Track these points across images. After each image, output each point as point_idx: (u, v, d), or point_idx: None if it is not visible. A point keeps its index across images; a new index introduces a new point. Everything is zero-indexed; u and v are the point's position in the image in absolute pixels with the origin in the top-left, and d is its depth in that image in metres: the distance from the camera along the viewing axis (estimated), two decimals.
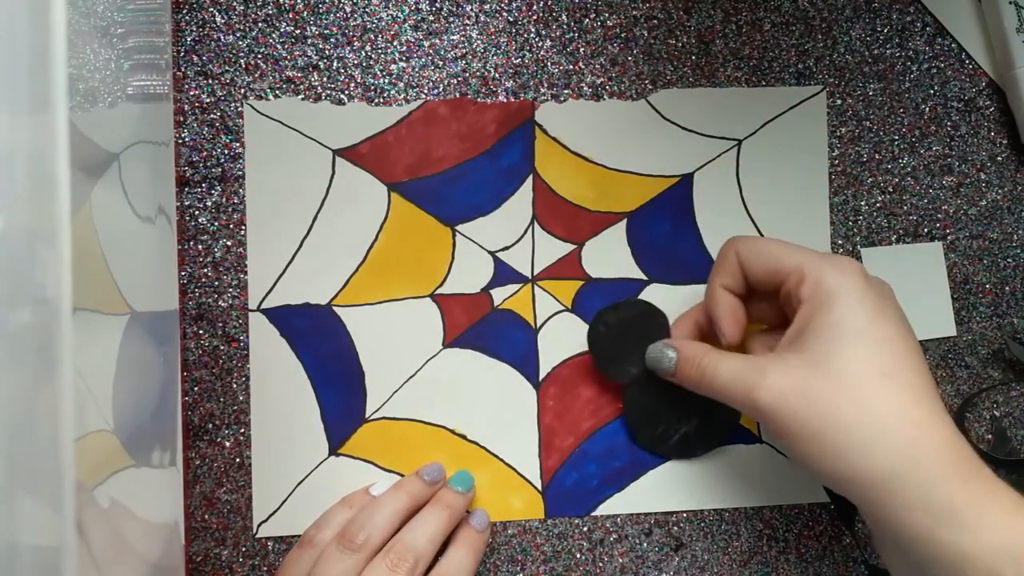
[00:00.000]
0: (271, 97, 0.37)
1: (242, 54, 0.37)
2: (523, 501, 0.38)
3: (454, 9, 0.38)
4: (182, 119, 0.37)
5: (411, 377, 0.38)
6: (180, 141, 0.37)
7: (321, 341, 0.37)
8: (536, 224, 0.38)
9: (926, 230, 0.40)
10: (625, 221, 0.39)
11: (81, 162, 0.23)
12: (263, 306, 0.37)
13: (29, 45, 0.21)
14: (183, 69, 0.37)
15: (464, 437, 0.38)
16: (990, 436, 0.41)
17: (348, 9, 0.38)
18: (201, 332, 0.37)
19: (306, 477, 0.37)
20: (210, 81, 0.37)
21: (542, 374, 0.38)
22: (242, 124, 0.37)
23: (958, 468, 0.27)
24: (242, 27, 0.37)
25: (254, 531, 0.37)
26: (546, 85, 0.38)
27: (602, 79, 0.39)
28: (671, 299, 0.39)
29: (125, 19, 0.29)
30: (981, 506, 0.27)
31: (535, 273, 0.38)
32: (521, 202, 0.38)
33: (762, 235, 0.39)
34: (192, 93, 0.37)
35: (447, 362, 0.38)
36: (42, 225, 0.21)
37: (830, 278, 0.30)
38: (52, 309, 0.21)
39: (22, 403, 0.20)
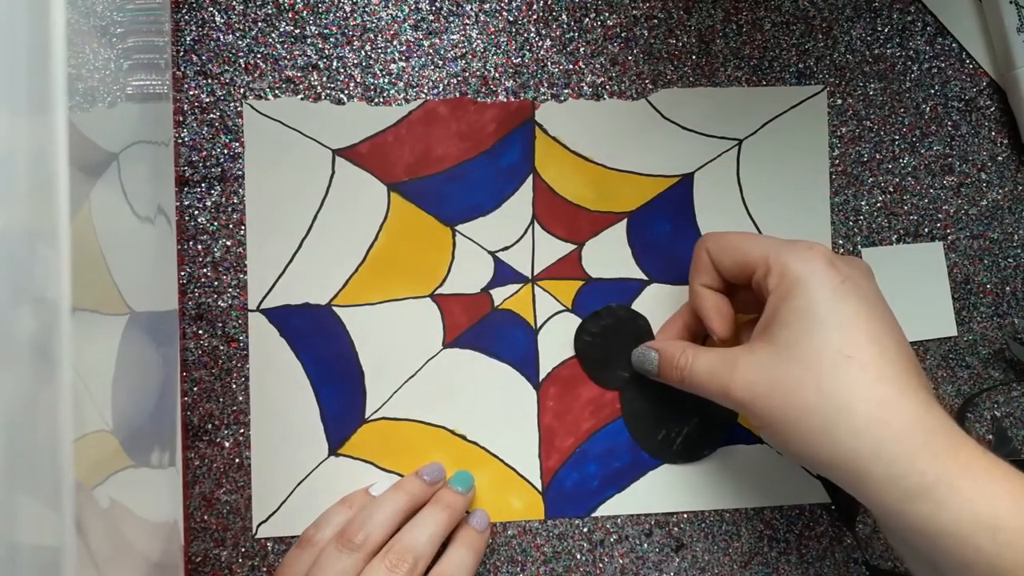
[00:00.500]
0: (271, 97, 0.37)
1: (242, 54, 0.37)
2: (523, 501, 0.38)
3: (454, 9, 0.38)
4: (182, 119, 0.37)
5: (411, 377, 0.38)
6: (180, 141, 0.37)
7: (321, 341, 0.37)
8: (536, 224, 0.38)
9: (927, 230, 0.40)
10: (625, 221, 0.39)
11: (80, 162, 0.23)
12: (263, 306, 0.37)
13: (29, 45, 0.21)
14: (183, 69, 0.37)
15: (464, 437, 0.38)
16: (991, 436, 0.41)
17: (348, 9, 0.38)
18: (201, 332, 0.37)
19: (306, 477, 0.37)
20: (210, 81, 0.37)
21: (542, 374, 0.38)
22: (242, 124, 0.37)
23: (928, 442, 0.27)
24: (242, 27, 0.37)
25: (254, 531, 0.37)
26: (546, 85, 0.38)
27: (602, 79, 0.39)
28: (671, 299, 0.39)
29: (125, 19, 0.29)
30: (955, 479, 0.27)
31: (535, 273, 0.38)
32: (521, 202, 0.38)
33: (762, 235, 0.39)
34: (192, 93, 0.37)
35: (447, 362, 0.38)
36: (42, 225, 0.21)
37: (794, 266, 0.30)
38: (52, 309, 0.21)
39: (22, 403, 0.20)
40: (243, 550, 0.37)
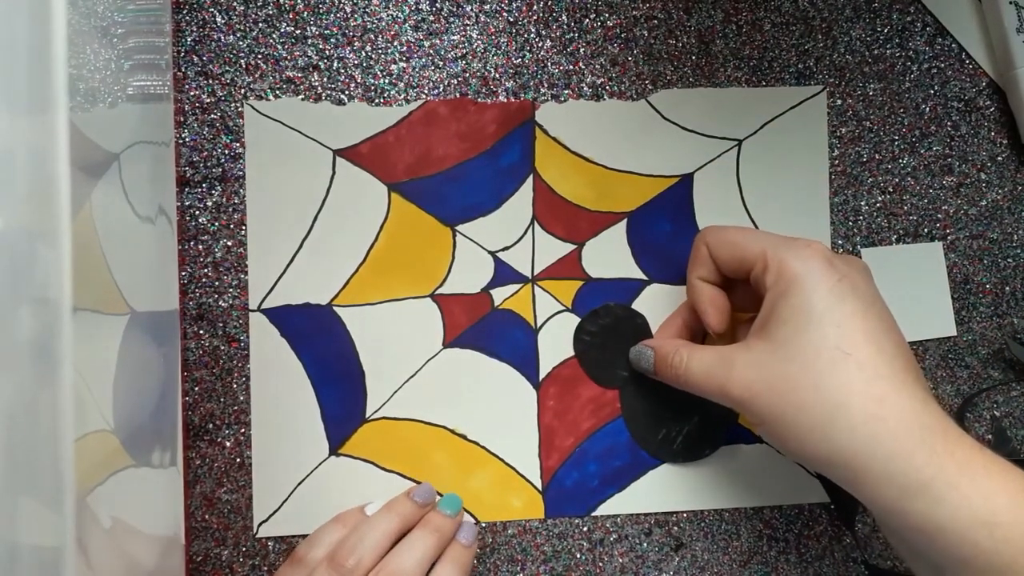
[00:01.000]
0: (271, 97, 0.37)
1: (242, 54, 0.37)
2: (523, 501, 0.38)
3: (454, 9, 0.38)
4: (182, 119, 0.37)
5: (411, 377, 0.38)
6: (180, 141, 0.37)
7: (321, 341, 0.37)
8: (536, 224, 0.38)
9: (926, 230, 0.40)
10: (625, 221, 0.39)
11: (81, 162, 0.23)
12: (263, 306, 0.37)
13: (29, 45, 0.21)
14: (183, 69, 0.37)
15: (464, 437, 0.38)
16: (990, 436, 0.41)
17: (348, 9, 0.38)
18: (201, 332, 0.37)
19: (306, 477, 0.37)
20: (210, 81, 0.37)
21: (542, 374, 0.38)
22: (242, 124, 0.37)
23: (925, 439, 0.27)
24: (242, 27, 0.37)
25: (254, 531, 0.37)
26: (546, 85, 0.38)
27: (602, 79, 0.39)
28: (671, 299, 0.39)
29: (125, 19, 0.29)
30: (952, 476, 0.27)
31: (535, 273, 0.38)
32: (521, 202, 0.38)
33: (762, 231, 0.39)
34: (192, 93, 0.37)
35: (447, 362, 0.38)
36: (42, 225, 0.21)
37: (791, 263, 0.30)
38: (52, 309, 0.21)
39: (23, 403, 0.20)
40: (244, 549, 0.37)
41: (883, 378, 0.28)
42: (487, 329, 0.38)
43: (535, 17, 0.38)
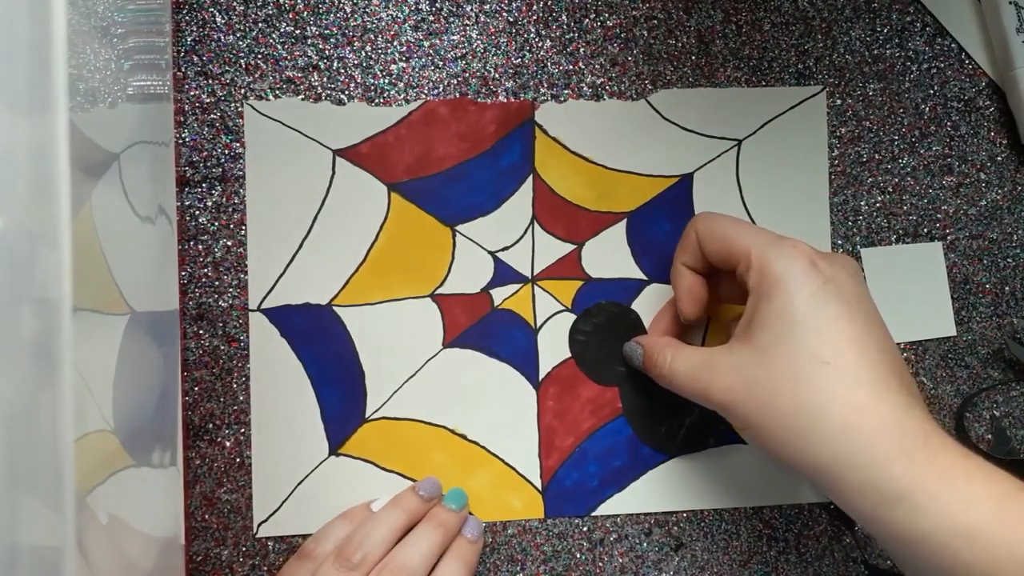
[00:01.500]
0: (271, 97, 0.37)
1: (242, 54, 0.37)
2: (523, 501, 0.38)
3: (454, 9, 0.38)
4: (182, 119, 0.37)
5: (411, 377, 0.38)
6: (180, 141, 0.37)
7: (321, 341, 0.37)
8: (536, 224, 0.38)
9: (926, 230, 0.41)
10: (625, 221, 0.39)
11: (81, 162, 0.23)
12: (263, 306, 0.37)
13: (29, 45, 0.21)
14: (183, 69, 0.37)
15: (464, 437, 0.38)
16: (990, 436, 0.41)
17: (348, 9, 0.38)
18: (201, 332, 0.37)
19: (306, 477, 0.37)
20: (210, 81, 0.37)
21: (542, 374, 0.38)
22: (242, 124, 0.37)
23: (904, 448, 0.27)
24: (242, 27, 0.37)
25: (254, 531, 0.37)
26: (546, 85, 0.38)
27: (602, 79, 0.39)
28: (670, 299, 0.39)
29: (125, 19, 0.29)
30: (932, 486, 0.26)
31: (535, 273, 0.38)
32: (521, 202, 0.38)
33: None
34: (192, 93, 0.37)
35: (447, 362, 0.38)
36: (42, 225, 0.21)
37: (774, 265, 0.30)
38: (52, 309, 0.21)
39: (23, 403, 0.20)
40: (244, 549, 0.37)
41: (863, 385, 0.28)
42: (487, 329, 0.38)
43: (535, 17, 0.39)
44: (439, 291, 0.38)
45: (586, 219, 0.39)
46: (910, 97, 0.40)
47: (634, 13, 0.39)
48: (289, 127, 0.37)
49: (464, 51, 0.38)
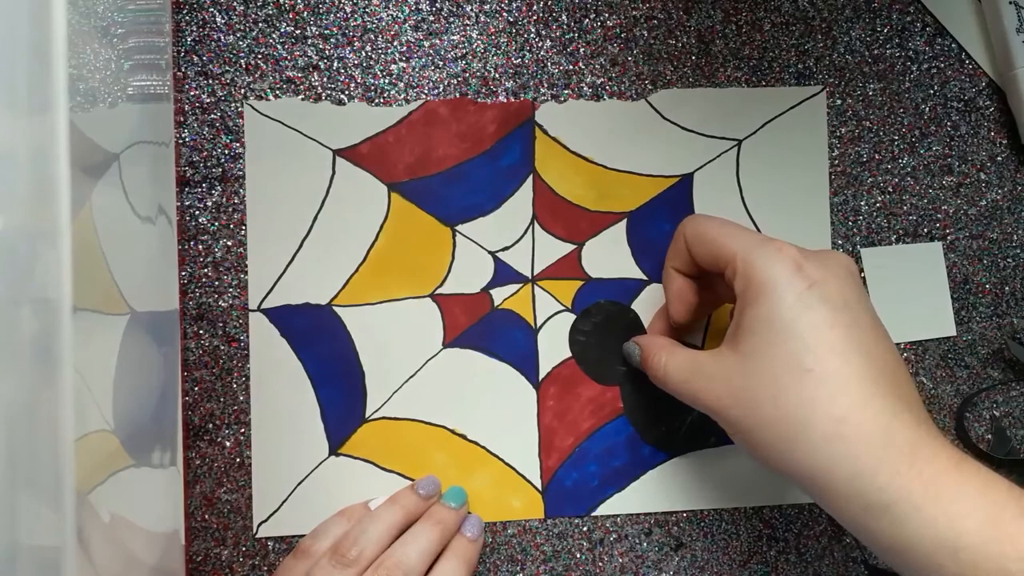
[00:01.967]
0: (271, 97, 0.37)
1: (242, 54, 0.37)
2: (523, 501, 0.38)
3: (454, 9, 0.38)
4: (182, 119, 0.37)
5: (411, 377, 0.38)
6: (180, 141, 0.37)
7: (321, 341, 0.37)
8: (536, 224, 0.38)
9: (926, 230, 0.41)
10: (625, 221, 0.39)
11: (81, 162, 0.23)
12: (263, 306, 0.37)
13: (29, 45, 0.21)
14: (183, 69, 0.37)
15: (464, 437, 0.38)
16: (990, 436, 0.41)
17: (348, 9, 0.38)
18: (201, 332, 0.37)
19: (306, 477, 0.37)
20: (210, 81, 0.37)
21: (542, 374, 0.38)
22: (242, 124, 0.37)
23: (888, 459, 0.26)
24: (242, 27, 0.37)
25: (254, 531, 0.37)
26: (546, 85, 0.38)
27: (602, 79, 0.39)
28: None
29: (125, 19, 0.29)
30: (917, 498, 0.26)
31: (535, 273, 0.38)
32: (521, 202, 0.38)
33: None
34: (192, 93, 0.37)
35: (447, 362, 0.38)
36: (42, 225, 0.21)
37: (758, 271, 0.29)
38: (52, 309, 0.21)
39: (23, 403, 0.20)
40: (244, 549, 0.37)
41: (846, 394, 0.27)
42: (487, 329, 0.38)
43: (535, 17, 0.39)
44: (439, 291, 0.38)
45: (586, 219, 0.39)
46: (910, 97, 0.40)
47: (634, 13, 0.39)
48: (289, 127, 0.37)
49: (464, 51, 0.38)
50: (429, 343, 0.38)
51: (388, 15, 0.38)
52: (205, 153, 0.37)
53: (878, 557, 0.29)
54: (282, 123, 0.37)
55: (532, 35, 0.38)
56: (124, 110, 0.29)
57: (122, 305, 0.28)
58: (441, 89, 0.38)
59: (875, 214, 0.40)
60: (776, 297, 0.29)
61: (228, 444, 0.37)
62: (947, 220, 0.41)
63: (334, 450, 0.37)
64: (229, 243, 0.37)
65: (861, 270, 0.40)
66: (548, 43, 0.39)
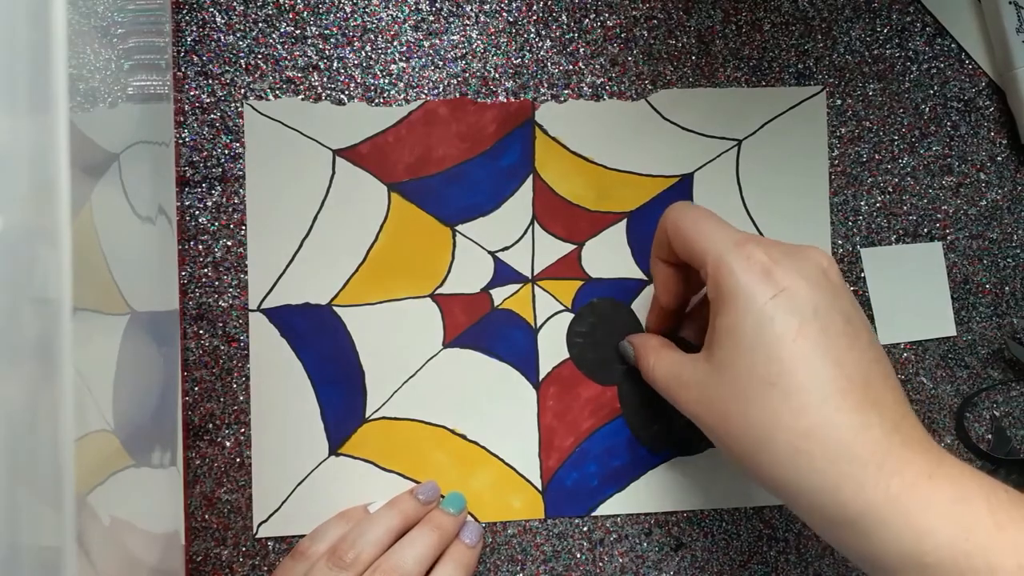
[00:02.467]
0: (271, 97, 0.37)
1: (242, 54, 0.37)
2: (523, 501, 0.38)
3: (454, 9, 0.38)
4: (182, 119, 0.37)
5: (411, 377, 0.38)
6: (180, 141, 0.37)
7: (321, 341, 0.37)
8: (536, 224, 0.38)
9: (926, 230, 0.41)
10: (625, 221, 0.39)
11: (81, 162, 0.23)
12: (263, 306, 0.37)
13: (29, 45, 0.21)
14: (183, 69, 0.37)
15: (464, 437, 0.38)
16: (990, 436, 0.41)
17: (348, 9, 0.38)
18: (201, 332, 0.37)
19: (306, 477, 0.37)
20: (210, 81, 0.37)
21: (542, 374, 0.38)
22: (242, 124, 0.37)
23: (852, 474, 0.26)
24: (242, 27, 0.37)
25: (254, 531, 0.37)
26: (546, 85, 0.38)
27: (602, 79, 0.39)
28: None
29: (125, 19, 0.29)
30: (883, 512, 0.25)
31: (535, 273, 0.38)
32: (521, 202, 0.38)
33: (761, 234, 0.39)
34: (192, 93, 0.37)
35: (447, 362, 0.38)
36: (42, 225, 0.21)
37: (725, 279, 0.28)
38: (52, 309, 0.21)
39: (23, 403, 0.20)
40: (244, 549, 0.37)
41: (810, 408, 0.26)
42: (487, 329, 0.38)
43: (535, 17, 0.39)
44: (439, 291, 0.38)
45: (586, 219, 0.39)
46: (910, 97, 0.40)
47: (634, 13, 0.39)
48: (289, 127, 0.37)
49: (464, 51, 0.38)
50: (429, 343, 0.38)
51: (388, 15, 0.38)
52: (205, 153, 0.37)
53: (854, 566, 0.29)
54: (282, 123, 0.37)
55: (532, 35, 0.38)
56: (124, 110, 0.29)
57: (122, 305, 0.28)
58: (441, 89, 0.38)
59: (875, 214, 0.40)
60: (742, 307, 0.28)
61: (228, 444, 0.37)
62: (947, 220, 0.41)
63: (334, 450, 0.37)
64: (229, 243, 0.37)
65: (861, 270, 0.40)
66: (548, 43, 0.39)
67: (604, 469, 0.38)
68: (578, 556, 0.38)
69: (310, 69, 0.37)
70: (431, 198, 0.38)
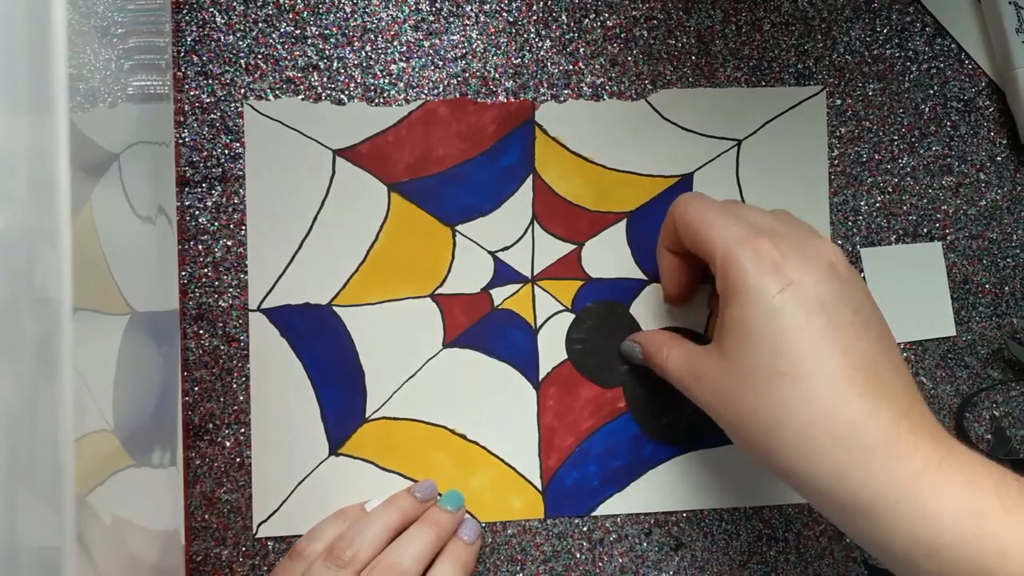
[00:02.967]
0: (271, 97, 0.37)
1: (242, 54, 0.37)
2: (523, 501, 0.38)
3: (454, 9, 0.38)
4: (182, 119, 0.37)
5: (411, 377, 0.38)
6: (180, 141, 0.37)
7: (321, 341, 0.37)
8: (536, 224, 0.38)
9: (926, 230, 0.41)
10: (625, 221, 0.39)
11: (81, 162, 0.23)
12: (263, 306, 0.37)
13: (29, 45, 0.21)
14: (183, 69, 0.37)
15: (464, 437, 0.38)
16: (989, 436, 0.41)
17: (348, 9, 0.38)
18: (201, 332, 0.37)
19: (306, 477, 0.37)
20: (210, 81, 0.37)
21: (542, 374, 0.38)
22: (242, 124, 0.37)
23: (861, 460, 0.26)
24: (242, 27, 0.37)
25: (254, 531, 0.37)
26: (546, 85, 0.38)
27: (602, 79, 0.39)
28: None
29: (125, 19, 0.29)
30: (891, 498, 0.26)
31: (535, 273, 0.38)
32: (521, 202, 0.38)
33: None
34: (192, 93, 0.37)
35: (447, 362, 0.38)
36: (42, 225, 0.21)
37: (735, 273, 0.29)
38: (52, 309, 0.21)
39: (23, 403, 0.20)
40: (244, 549, 0.37)
41: (818, 396, 0.27)
42: (487, 329, 0.38)
43: (535, 17, 0.39)
44: (439, 291, 0.38)
45: (586, 219, 0.39)
46: (910, 97, 0.40)
47: (634, 13, 0.39)
48: (289, 127, 0.37)
49: (464, 51, 0.38)
50: (429, 343, 0.38)
51: (388, 15, 0.38)
52: (205, 153, 0.37)
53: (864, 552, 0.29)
54: (282, 123, 0.37)
55: (532, 35, 0.38)
56: (124, 110, 0.29)
57: (122, 305, 0.28)
58: (441, 89, 0.38)
59: (875, 214, 0.40)
60: (751, 301, 0.28)
61: (228, 444, 0.37)
62: (947, 220, 0.41)
63: (334, 450, 0.37)
64: (229, 243, 0.37)
65: (861, 270, 0.40)
66: (548, 43, 0.39)
67: (604, 469, 0.38)
68: (578, 556, 0.38)
69: (310, 69, 0.37)
70: (431, 198, 0.38)
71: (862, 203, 0.40)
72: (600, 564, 0.38)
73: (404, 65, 0.38)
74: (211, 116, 0.37)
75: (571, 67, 0.39)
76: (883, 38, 0.40)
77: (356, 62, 0.38)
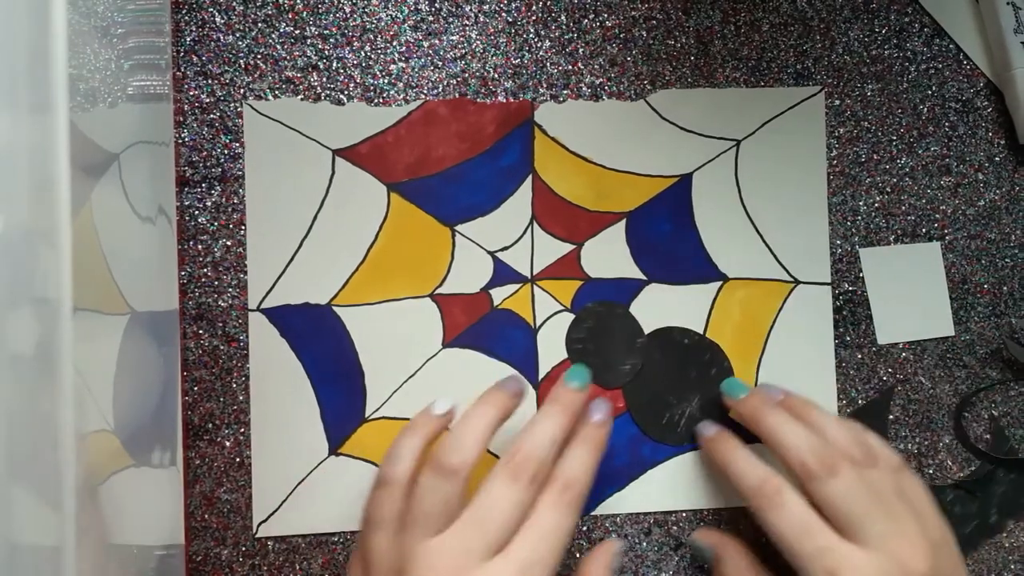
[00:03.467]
0: (271, 97, 0.37)
1: (242, 54, 0.37)
2: None
3: (454, 9, 0.38)
4: (182, 119, 0.37)
5: (411, 377, 0.38)
6: (180, 141, 0.37)
7: (321, 341, 0.37)
8: (535, 224, 0.38)
9: (924, 230, 0.41)
10: (624, 221, 0.39)
11: (81, 162, 0.23)
12: (263, 306, 0.37)
13: (29, 45, 0.21)
14: (183, 69, 0.37)
15: None
16: (988, 436, 0.41)
17: (348, 9, 0.38)
18: (201, 332, 0.37)
19: (306, 477, 0.37)
20: (210, 81, 0.37)
21: (542, 374, 0.38)
22: (242, 124, 0.37)
23: None
24: (242, 27, 0.37)
25: (254, 531, 0.37)
26: (545, 85, 0.38)
27: (601, 79, 0.39)
28: (670, 299, 0.39)
29: (125, 19, 0.29)
30: None
31: (534, 273, 0.38)
32: (520, 202, 0.38)
33: (761, 236, 0.39)
34: (192, 93, 0.37)
35: (447, 362, 0.38)
36: (42, 225, 0.21)
37: None
38: (52, 309, 0.21)
39: (23, 403, 0.20)
40: (244, 549, 0.37)
41: None
42: (486, 329, 0.38)
43: (534, 17, 0.39)
44: (439, 291, 0.38)
45: (585, 219, 0.39)
46: (908, 97, 0.41)
47: (633, 13, 0.39)
48: (289, 127, 0.37)
49: (464, 51, 0.38)
50: (429, 343, 0.38)
51: (387, 15, 0.38)
52: (205, 153, 0.37)
53: None
54: (281, 123, 0.37)
55: (531, 35, 0.39)
56: (124, 110, 0.29)
57: (122, 305, 0.28)
58: (440, 89, 0.38)
59: (873, 214, 0.40)
60: None
61: (228, 444, 0.37)
62: (945, 220, 0.41)
63: (334, 450, 0.37)
64: (229, 243, 0.37)
65: (859, 270, 0.40)
66: (547, 43, 0.39)
67: (604, 468, 0.38)
68: (578, 556, 0.38)
69: (310, 69, 0.37)
70: (431, 198, 0.38)
71: (861, 203, 0.40)
72: None
73: (403, 65, 0.38)
74: (211, 116, 0.37)
75: (570, 67, 0.39)
76: (882, 39, 0.40)
77: (355, 62, 0.38)
